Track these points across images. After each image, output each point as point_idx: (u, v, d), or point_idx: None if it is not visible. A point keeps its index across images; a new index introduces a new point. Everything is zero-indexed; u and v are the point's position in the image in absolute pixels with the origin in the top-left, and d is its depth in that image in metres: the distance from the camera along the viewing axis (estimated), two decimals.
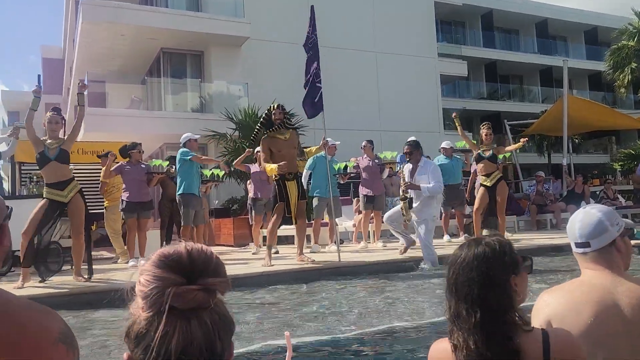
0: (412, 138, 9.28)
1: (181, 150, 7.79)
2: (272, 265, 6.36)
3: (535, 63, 27.68)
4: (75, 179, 6.00)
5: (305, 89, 7.10)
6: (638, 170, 12.13)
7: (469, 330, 1.27)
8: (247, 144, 11.76)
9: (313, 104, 7.01)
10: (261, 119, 6.91)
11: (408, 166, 6.86)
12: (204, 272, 0.80)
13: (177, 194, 7.73)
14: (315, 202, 8.62)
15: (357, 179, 9.49)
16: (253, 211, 8.78)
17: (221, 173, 8.61)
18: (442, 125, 19.57)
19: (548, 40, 28.95)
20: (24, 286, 5.43)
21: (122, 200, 7.62)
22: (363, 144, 9.13)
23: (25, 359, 0.95)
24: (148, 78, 16.34)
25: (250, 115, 13.02)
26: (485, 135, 8.09)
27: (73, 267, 5.91)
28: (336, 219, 10.37)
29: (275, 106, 6.78)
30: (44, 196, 5.74)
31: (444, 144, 9.62)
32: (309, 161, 8.15)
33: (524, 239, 8.84)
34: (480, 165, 8.05)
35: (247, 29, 15.12)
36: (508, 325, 1.29)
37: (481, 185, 8.10)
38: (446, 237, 9.07)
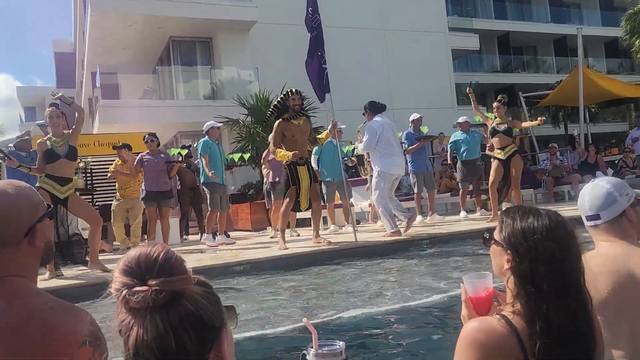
0: (415, 114, 9.27)
1: (203, 140, 7.95)
2: (287, 248, 6.42)
3: (548, 33, 27.12)
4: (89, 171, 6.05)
5: (307, 68, 7.03)
6: (628, 140, 11.69)
7: (550, 302, 1.16)
8: (260, 129, 11.80)
9: (321, 86, 6.98)
10: (276, 102, 6.87)
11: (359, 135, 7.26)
12: (149, 273, 0.84)
13: (202, 182, 7.92)
14: (323, 188, 8.71)
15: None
16: (272, 195, 8.81)
17: (237, 157, 8.66)
18: (456, 100, 19.37)
19: (561, 9, 28.31)
20: (49, 278, 5.55)
21: (142, 189, 7.75)
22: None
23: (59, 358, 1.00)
24: (159, 67, 16.41)
25: (261, 100, 13.02)
26: (496, 108, 8.01)
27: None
28: (351, 200, 10.43)
29: (294, 91, 6.76)
30: (39, 185, 5.56)
31: (460, 119, 9.51)
32: (315, 147, 8.18)
33: None
34: (496, 139, 7.97)
35: (255, 13, 15.05)
36: (584, 293, 1.22)
37: (495, 158, 8.03)
38: (462, 214, 9.01)
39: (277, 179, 8.74)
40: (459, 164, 9.35)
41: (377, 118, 7.23)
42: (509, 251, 1.24)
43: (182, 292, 0.84)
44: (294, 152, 6.33)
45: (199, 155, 7.90)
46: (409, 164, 9.22)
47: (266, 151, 8.50)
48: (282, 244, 6.50)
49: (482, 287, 1.36)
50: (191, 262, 6.09)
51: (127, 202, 7.93)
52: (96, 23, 14.58)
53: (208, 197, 7.85)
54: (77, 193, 5.95)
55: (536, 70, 27.81)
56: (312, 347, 1.09)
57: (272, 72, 14.68)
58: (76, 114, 5.77)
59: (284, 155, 6.40)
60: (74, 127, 5.84)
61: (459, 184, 9.59)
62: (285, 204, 6.65)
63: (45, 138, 5.79)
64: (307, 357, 1.07)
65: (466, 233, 7.04)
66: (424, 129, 9.08)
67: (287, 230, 7.69)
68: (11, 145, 8.03)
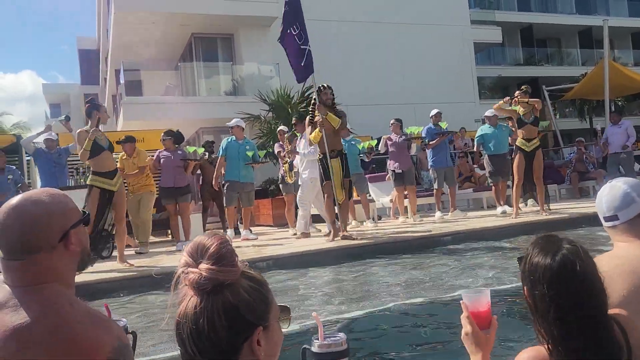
0: (436, 110, 9.17)
1: (225, 140, 8.31)
2: (339, 237, 6.60)
3: (573, 24, 26.62)
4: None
5: (282, 44, 7.21)
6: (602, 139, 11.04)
7: (580, 340, 1.17)
8: (281, 124, 11.85)
9: (298, 67, 6.98)
10: (313, 101, 7.02)
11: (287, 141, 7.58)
12: (202, 259, 0.93)
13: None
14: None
15: (387, 155, 9.49)
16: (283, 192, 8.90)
17: (262, 153, 8.74)
18: (478, 94, 19.17)
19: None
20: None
21: (159, 186, 7.88)
22: (391, 121, 9.17)
23: None
24: (181, 64, 16.57)
25: (282, 96, 13.07)
26: (519, 97, 7.88)
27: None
28: (373, 195, 10.44)
29: (326, 86, 6.90)
30: (91, 183, 5.84)
31: (487, 113, 9.34)
32: None
33: (566, 208, 8.68)
34: (523, 130, 7.86)
35: (275, 9, 15.04)
36: (609, 322, 1.21)
37: (519, 149, 7.89)
38: (500, 209, 8.71)
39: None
40: (486, 158, 9.22)
41: None
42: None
43: (226, 283, 0.92)
44: (319, 122, 6.61)
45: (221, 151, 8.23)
46: (429, 159, 9.19)
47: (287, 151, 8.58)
48: (333, 235, 6.69)
49: (481, 303, 1.37)
50: None
51: (137, 196, 7.87)
52: (120, 20, 14.78)
53: (225, 194, 8.18)
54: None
55: (560, 63, 27.33)
56: (317, 340, 1.14)
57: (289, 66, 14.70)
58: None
59: (315, 135, 6.68)
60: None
61: (489, 179, 9.48)
62: (326, 199, 6.86)
63: (84, 128, 5.93)
64: (311, 349, 1.13)
65: (489, 230, 7.01)
66: (443, 125, 8.96)
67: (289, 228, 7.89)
68: (38, 141, 8.22)
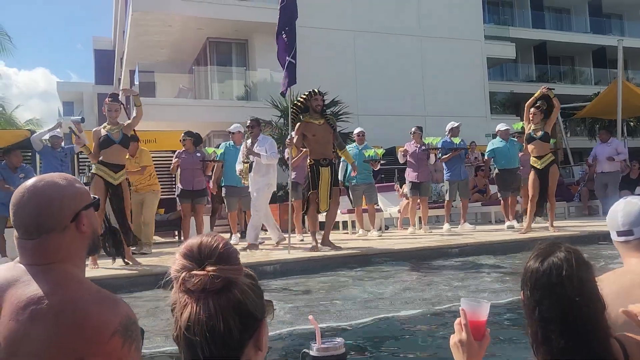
0: (453, 123, 9.13)
1: (225, 143, 8.37)
2: (319, 249, 6.48)
3: (587, 43, 26.57)
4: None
5: (276, 42, 7.07)
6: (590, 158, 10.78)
7: (565, 350, 1.17)
8: (292, 131, 11.91)
9: (288, 79, 6.88)
10: (297, 101, 6.91)
11: (247, 141, 7.22)
12: (208, 260, 0.93)
13: (222, 184, 8.33)
14: (351, 189, 8.81)
15: (396, 165, 9.49)
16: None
17: None
18: (489, 109, 19.17)
19: (602, 19, 27.71)
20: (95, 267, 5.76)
21: (178, 187, 7.92)
22: (412, 129, 9.03)
23: (82, 348, 1.07)
24: (195, 67, 16.72)
25: (294, 102, 13.13)
26: (532, 114, 7.74)
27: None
28: (381, 205, 10.42)
29: (317, 91, 6.80)
30: (94, 172, 5.86)
31: (499, 126, 9.34)
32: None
33: (575, 226, 8.65)
34: (531, 146, 7.75)
35: None
36: (604, 333, 1.20)
37: (532, 167, 7.82)
38: (508, 223, 8.71)
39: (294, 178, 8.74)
40: (497, 173, 9.18)
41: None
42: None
43: (234, 281, 0.93)
44: (288, 140, 6.60)
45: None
46: (444, 171, 9.13)
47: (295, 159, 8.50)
48: (315, 246, 6.58)
49: (481, 313, 1.33)
50: None
51: (140, 195, 7.86)
52: (137, 22, 14.97)
53: (225, 199, 8.27)
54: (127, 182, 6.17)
55: (573, 81, 27.27)
56: (315, 343, 1.14)
57: (306, 75, 14.78)
58: (134, 112, 6.15)
59: (294, 150, 6.65)
60: (130, 121, 6.18)
61: (498, 193, 9.44)
62: (310, 208, 6.73)
63: (100, 126, 6.07)
64: (310, 352, 1.13)
65: (497, 244, 6.99)
66: (456, 140, 8.89)
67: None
68: (46, 138, 8.28)
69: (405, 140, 9.31)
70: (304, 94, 6.89)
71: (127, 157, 7.76)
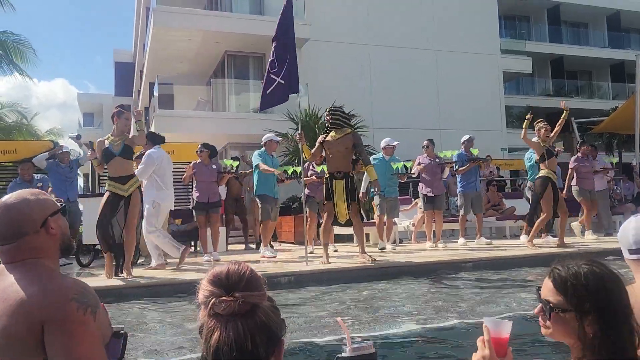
0: (467, 136, 9.18)
1: (257, 152, 8.14)
2: (330, 263, 6.53)
3: (605, 58, 26.44)
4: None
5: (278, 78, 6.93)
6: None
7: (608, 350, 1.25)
8: (308, 143, 12.03)
9: (263, 93, 6.93)
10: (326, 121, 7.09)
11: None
12: (236, 287, 1.02)
13: (255, 193, 8.10)
14: (376, 200, 8.68)
15: (417, 178, 9.48)
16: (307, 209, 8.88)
17: (290, 170, 8.74)
18: (505, 123, 19.11)
19: (620, 34, 27.55)
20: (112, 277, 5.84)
21: (193, 199, 8.02)
22: (424, 143, 9.06)
23: (44, 312, 1.30)
24: (213, 80, 16.97)
25: (310, 116, 13.28)
26: (545, 130, 7.90)
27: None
28: (395, 219, 10.43)
29: (328, 109, 6.99)
30: (107, 189, 6.03)
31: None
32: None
33: (591, 242, 8.59)
34: (549, 161, 7.87)
35: (307, 31, 15.40)
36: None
37: (549, 181, 7.78)
38: (547, 238, 8.60)
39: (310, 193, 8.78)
40: (531, 185, 9.00)
41: (154, 149, 7.00)
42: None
43: (258, 305, 1.03)
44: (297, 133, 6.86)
45: (253, 165, 8.01)
46: (458, 184, 9.17)
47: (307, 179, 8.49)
48: (324, 259, 6.62)
49: (504, 330, 1.39)
50: None
51: None
52: (157, 36, 15.27)
53: (260, 208, 8.01)
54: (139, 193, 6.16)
55: (590, 96, 27.09)
56: (346, 345, 1.20)
57: (322, 88, 14.97)
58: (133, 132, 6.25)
59: (308, 151, 6.85)
60: (135, 135, 6.18)
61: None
62: (325, 219, 6.80)
63: (104, 137, 6.13)
64: (342, 354, 1.19)
65: (513, 259, 6.98)
66: (475, 151, 8.89)
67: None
68: (46, 158, 8.61)
69: (420, 154, 9.33)
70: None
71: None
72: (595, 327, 1.27)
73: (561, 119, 8.08)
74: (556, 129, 8.04)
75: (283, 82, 6.86)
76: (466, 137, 9.16)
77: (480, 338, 1.40)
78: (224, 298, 1.00)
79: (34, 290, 1.34)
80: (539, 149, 7.96)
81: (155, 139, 7.14)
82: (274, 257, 7.71)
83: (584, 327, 1.28)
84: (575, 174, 9.44)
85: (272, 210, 8.01)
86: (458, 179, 9.10)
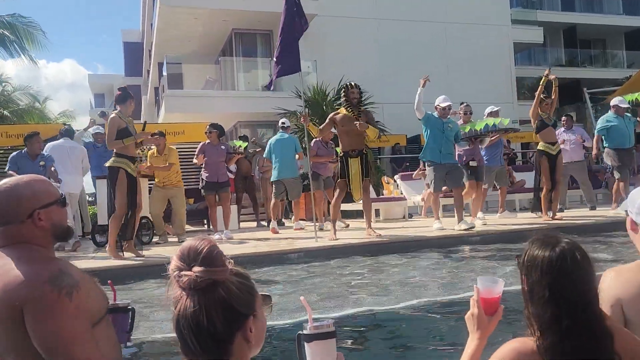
0: (492, 107, 8.70)
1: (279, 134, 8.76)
2: (338, 239, 6.63)
3: (620, 25, 25.84)
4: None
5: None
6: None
7: (566, 332, 1.27)
8: (317, 120, 12.05)
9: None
10: (344, 97, 6.94)
11: None
12: (194, 261, 1.03)
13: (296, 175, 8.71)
14: (429, 173, 7.60)
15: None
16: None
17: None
18: (516, 95, 18.91)
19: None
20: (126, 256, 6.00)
21: (202, 179, 8.13)
22: (461, 108, 8.27)
23: (21, 296, 1.36)
24: (221, 58, 16.95)
25: (319, 93, 13.26)
26: (546, 104, 7.82)
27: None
28: (405, 193, 10.48)
29: (354, 85, 6.91)
30: (116, 165, 5.90)
31: (614, 101, 8.61)
32: (424, 117, 7.39)
33: (602, 214, 8.60)
34: (544, 132, 7.82)
35: (314, 7, 15.24)
36: (600, 320, 1.31)
37: (543, 153, 7.77)
38: (615, 207, 8.27)
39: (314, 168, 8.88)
40: (609, 152, 8.45)
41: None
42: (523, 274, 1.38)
43: (218, 281, 1.04)
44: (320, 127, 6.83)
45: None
46: (484, 158, 8.43)
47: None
48: (332, 235, 6.72)
49: (494, 290, 1.48)
50: (248, 248, 6.43)
51: (168, 191, 8.11)
52: (164, 15, 15.24)
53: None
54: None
55: (604, 65, 26.60)
56: (307, 324, 1.24)
57: (330, 64, 14.90)
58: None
59: (315, 129, 6.86)
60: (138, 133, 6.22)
61: (614, 173, 8.60)
62: (336, 195, 6.87)
63: (115, 114, 5.98)
64: (304, 332, 1.23)
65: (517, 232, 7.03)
66: (505, 121, 7.98)
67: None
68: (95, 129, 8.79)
69: None
70: (344, 90, 6.93)
71: (154, 154, 8.10)
72: (539, 300, 1.31)
73: (554, 87, 7.96)
74: (553, 97, 7.96)
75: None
76: (493, 108, 8.66)
77: (472, 297, 1.50)
78: (183, 272, 1.03)
79: (14, 274, 1.39)
80: (535, 116, 7.83)
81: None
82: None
83: (528, 295, 1.34)
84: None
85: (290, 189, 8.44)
86: (483, 153, 8.38)
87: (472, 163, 7.88)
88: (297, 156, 8.64)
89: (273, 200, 8.61)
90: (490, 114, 8.60)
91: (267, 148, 8.85)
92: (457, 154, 7.86)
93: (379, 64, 16.30)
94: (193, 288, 1.02)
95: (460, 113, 8.27)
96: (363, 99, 12.67)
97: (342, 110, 6.84)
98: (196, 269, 1.02)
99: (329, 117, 6.92)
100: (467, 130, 7.77)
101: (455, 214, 7.27)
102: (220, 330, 1.03)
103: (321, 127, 6.88)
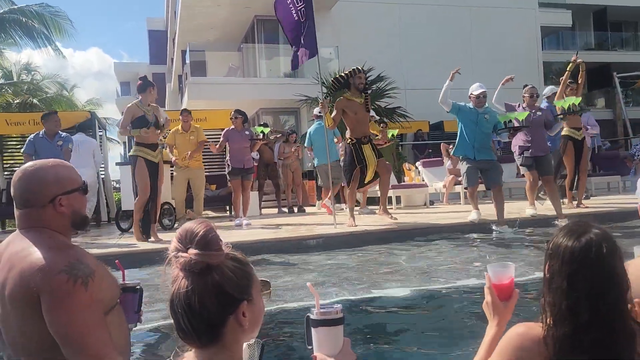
0: (552, 87, 8.42)
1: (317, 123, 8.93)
2: (357, 225, 6.63)
3: None
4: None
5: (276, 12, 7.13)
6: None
7: (580, 325, 1.23)
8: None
9: (297, 41, 7.20)
10: (339, 76, 6.93)
11: None
12: (190, 244, 1.05)
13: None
14: (461, 167, 6.83)
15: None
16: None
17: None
18: (543, 80, 18.50)
19: None
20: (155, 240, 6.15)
21: (228, 164, 8.21)
22: (526, 90, 7.25)
23: (38, 284, 1.38)
24: (244, 45, 16.98)
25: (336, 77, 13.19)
26: (571, 89, 7.72)
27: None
28: (426, 180, 10.41)
29: (361, 69, 6.81)
30: (136, 154, 6.09)
31: None
32: (453, 109, 6.86)
33: (628, 202, 8.42)
34: (570, 118, 7.68)
35: None
36: (624, 318, 1.25)
37: (569, 139, 7.69)
38: None
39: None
40: None
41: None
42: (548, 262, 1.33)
43: (213, 265, 1.06)
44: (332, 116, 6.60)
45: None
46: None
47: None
48: (350, 221, 6.70)
49: (504, 276, 1.49)
50: (268, 234, 6.50)
51: (188, 172, 8.23)
52: (187, 3, 15.32)
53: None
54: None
55: (636, 48, 25.80)
56: (314, 309, 1.24)
57: (352, 50, 14.78)
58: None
59: (328, 118, 6.61)
60: (163, 117, 6.39)
61: None
62: (351, 184, 6.79)
63: (134, 103, 6.19)
64: (311, 316, 1.22)
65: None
66: (569, 101, 7.22)
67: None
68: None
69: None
70: (347, 71, 6.91)
71: (179, 131, 8.25)
72: (557, 288, 1.27)
73: (581, 72, 7.83)
74: (579, 82, 7.89)
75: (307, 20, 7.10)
76: (553, 89, 8.22)
77: (485, 286, 1.51)
78: (180, 254, 1.05)
79: (32, 259, 1.41)
80: (560, 98, 7.64)
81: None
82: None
83: (548, 281, 1.30)
84: None
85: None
86: (548, 139, 7.39)
87: (525, 153, 6.90)
88: (335, 139, 8.92)
89: (337, 188, 8.53)
90: (552, 96, 8.03)
91: (307, 137, 9.19)
92: (517, 145, 7.00)
93: (401, 50, 16.14)
94: (188, 270, 1.05)
95: (526, 96, 7.20)
96: (384, 84, 12.68)
97: (347, 96, 6.71)
98: (192, 251, 1.04)
99: (336, 105, 6.73)
100: (512, 118, 6.76)
101: (495, 214, 6.48)
102: (213, 313, 1.04)
103: (333, 116, 6.73)
